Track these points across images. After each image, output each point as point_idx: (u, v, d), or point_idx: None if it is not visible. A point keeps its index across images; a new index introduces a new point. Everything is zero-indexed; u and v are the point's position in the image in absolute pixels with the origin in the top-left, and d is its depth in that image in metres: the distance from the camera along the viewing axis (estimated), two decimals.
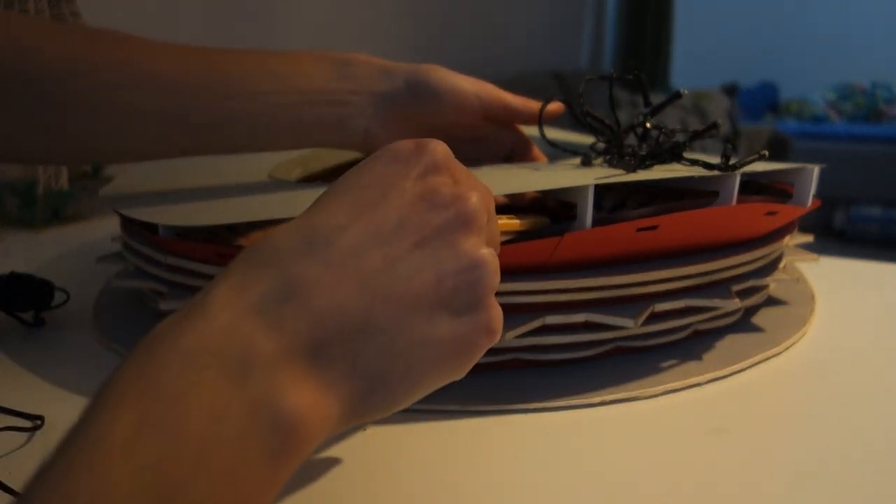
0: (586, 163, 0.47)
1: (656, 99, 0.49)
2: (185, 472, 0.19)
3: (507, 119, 0.51)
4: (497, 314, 0.27)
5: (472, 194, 0.27)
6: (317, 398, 0.23)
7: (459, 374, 0.27)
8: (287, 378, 0.22)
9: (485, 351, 0.27)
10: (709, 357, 0.42)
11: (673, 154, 0.44)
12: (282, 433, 0.22)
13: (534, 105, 0.50)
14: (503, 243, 0.36)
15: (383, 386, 0.25)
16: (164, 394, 0.20)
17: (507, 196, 0.48)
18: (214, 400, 0.21)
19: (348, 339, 0.24)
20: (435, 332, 0.25)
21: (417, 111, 0.46)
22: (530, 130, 0.53)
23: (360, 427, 0.35)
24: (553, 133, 0.53)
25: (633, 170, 0.43)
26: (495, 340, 0.27)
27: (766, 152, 0.43)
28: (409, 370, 0.25)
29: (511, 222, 0.38)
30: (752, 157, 0.41)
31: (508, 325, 0.37)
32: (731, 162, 0.41)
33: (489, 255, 0.26)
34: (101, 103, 0.43)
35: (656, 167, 0.44)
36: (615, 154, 0.47)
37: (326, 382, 0.23)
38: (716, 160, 0.42)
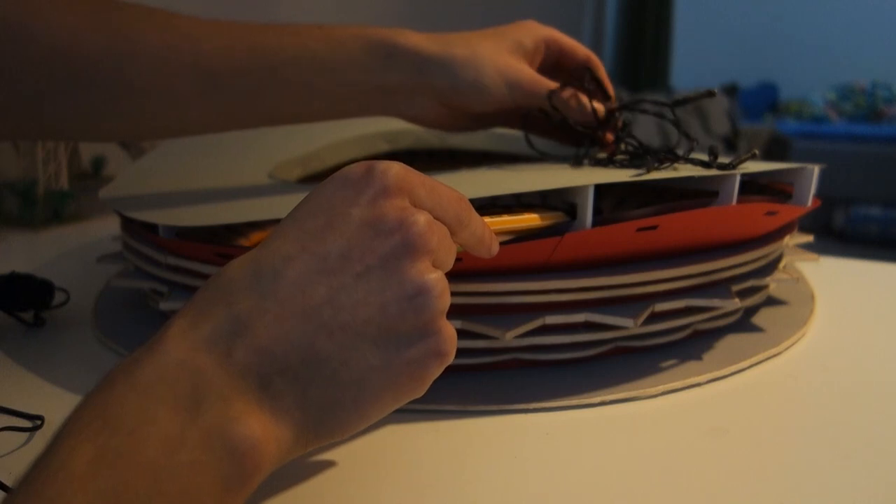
0: (577, 163, 0.47)
1: (654, 99, 0.49)
2: (142, 499, 0.20)
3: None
4: (448, 336, 0.27)
5: (419, 218, 0.26)
6: (268, 427, 0.24)
7: (415, 395, 0.27)
8: (239, 408, 0.23)
9: (438, 374, 0.27)
10: (709, 357, 0.42)
11: (672, 154, 0.44)
12: (235, 460, 0.23)
13: (563, 99, 0.47)
14: (518, 240, 0.36)
15: (334, 413, 0.26)
16: (121, 426, 0.21)
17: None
18: (169, 430, 0.22)
19: (295, 370, 0.25)
20: (383, 360, 0.26)
21: (460, 103, 0.46)
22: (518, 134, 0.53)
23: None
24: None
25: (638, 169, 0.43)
26: (447, 363, 0.27)
27: (757, 151, 0.43)
28: (359, 397, 0.26)
29: (531, 217, 0.37)
30: (745, 156, 0.41)
31: (508, 324, 0.37)
32: (720, 161, 0.41)
33: (434, 280, 0.26)
34: (145, 87, 0.42)
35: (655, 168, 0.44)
36: (611, 155, 0.47)
37: (277, 411, 0.24)
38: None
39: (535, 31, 0.49)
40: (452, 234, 0.29)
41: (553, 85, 0.47)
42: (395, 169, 0.27)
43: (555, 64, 0.50)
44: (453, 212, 0.29)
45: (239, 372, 0.24)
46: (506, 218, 0.36)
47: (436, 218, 0.28)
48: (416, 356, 0.26)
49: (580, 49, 0.50)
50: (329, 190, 0.27)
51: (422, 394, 0.27)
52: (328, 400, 0.25)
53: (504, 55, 0.46)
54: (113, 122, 0.44)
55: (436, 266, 0.28)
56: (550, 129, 0.51)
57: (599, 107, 0.48)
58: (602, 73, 0.50)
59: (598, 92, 0.50)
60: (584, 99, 0.48)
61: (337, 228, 0.26)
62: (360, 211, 0.26)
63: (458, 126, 0.49)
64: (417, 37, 0.45)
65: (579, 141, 0.49)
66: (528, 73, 0.47)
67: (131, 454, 0.21)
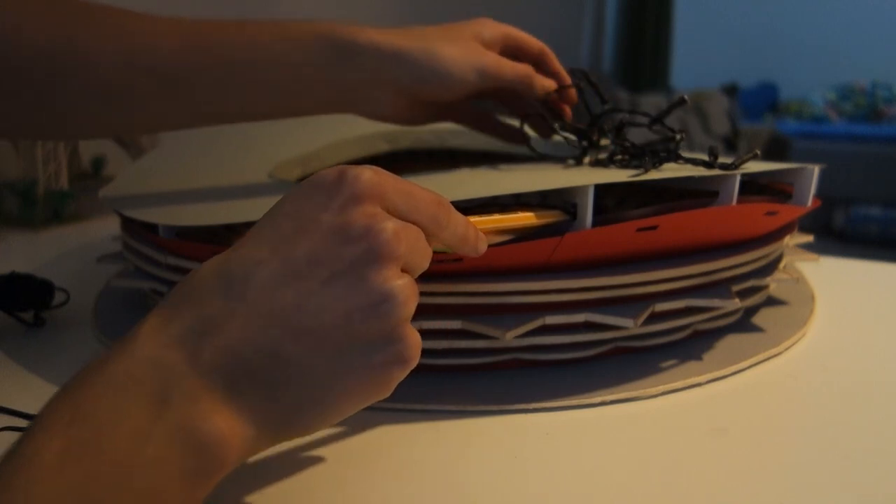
0: (578, 162, 0.47)
1: (655, 100, 0.49)
2: (109, 490, 0.21)
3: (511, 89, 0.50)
4: (412, 343, 0.27)
5: (387, 225, 0.27)
6: (233, 424, 0.25)
7: (380, 398, 0.28)
8: (205, 405, 0.24)
9: (401, 378, 0.27)
10: (709, 357, 0.42)
11: (670, 154, 0.44)
12: (200, 456, 0.23)
13: (525, 74, 0.49)
14: (518, 239, 0.36)
15: (298, 413, 0.26)
16: (91, 419, 0.22)
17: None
18: (137, 424, 0.23)
19: (261, 371, 0.25)
20: (347, 365, 0.26)
21: (425, 94, 0.46)
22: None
23: (360, 427, 0.35)
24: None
25: (640, 169, 0.43)
26: (410, 368, 0.27)
27: (759, 151, 0.43)
28: (323, 399, 0.26)
29: (525, 216, 0.37)
30: (747, 156, 0.41)
31: (508, 324, 0.37)
32: (721, 161, 0.41)
33: (400, 287, 0.26)
34: (100, 89, 0.42)
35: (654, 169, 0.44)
36: (611, 155, 0.47)
37: (242, 410, 0.25)
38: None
39: (493, 27, 0.49)
40: (431, 236, 0.29)
41: (520, 66, 0.48)
42: (367, 175, 0.27)
43: (512, 58, 0.50)
44: (430, 215, 0.29)
45: (206, 370, 0.25)
46: (497, 217, 0.35)
47: (411, 222, 0.28)
48: (380, 362, 0.26)
49: (534, 42, 0.51)
50: (301, 195, 0.28)
51: (387, 395, 0.28)
52: (292, 401, 0.26)
53: (466, 42, 0.47)
54: (65, 121, 0.44)
55: (407, 270, 0.28)
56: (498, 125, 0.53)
57: (550, 82, 0.50)
58: (556, 63, 0.52)
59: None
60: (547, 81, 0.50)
61: (307, 234, 0.26)
62: (330, 217, 0.27)
63: (419, 119, 0.49)
64: (375, 32, 0.45)
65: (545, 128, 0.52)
66: (492, 56, 0.47)
67: (99, 447, 0.22)
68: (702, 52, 3.84)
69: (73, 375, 0.24)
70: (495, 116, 0.54)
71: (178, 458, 0.23)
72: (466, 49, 0.46)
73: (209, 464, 0.24)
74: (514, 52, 0.51)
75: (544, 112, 0.52)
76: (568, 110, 0.52)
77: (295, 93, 0.45)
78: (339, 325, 0.26)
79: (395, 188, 0.28)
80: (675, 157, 0.44)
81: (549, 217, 0.37)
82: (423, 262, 0.29)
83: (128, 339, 0.25)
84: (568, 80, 0.52)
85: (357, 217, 0.27)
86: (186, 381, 0.24)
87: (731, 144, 2.80)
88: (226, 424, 0.24)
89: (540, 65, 0.51)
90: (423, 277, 0.37)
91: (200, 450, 0.23)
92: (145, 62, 0.42)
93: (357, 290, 0.26)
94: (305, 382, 0.26)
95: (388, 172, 0.29)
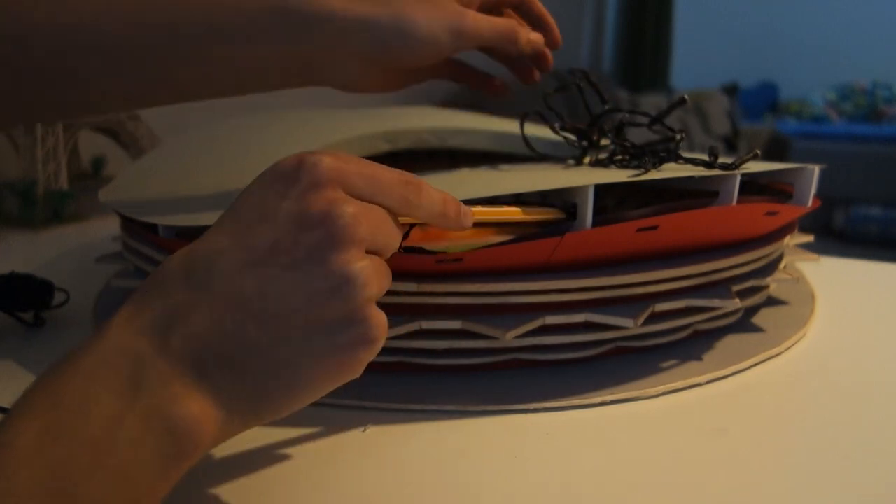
0: (578, 162, 0.47)
1: (654, 100, 0.49)
2: (83, 472, 0.22)
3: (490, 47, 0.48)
4: (376, 323, 0.28)
5: (345, 209, 0.27)
6: (204, 408, 0.25)
7: (350, 378, 0.28)
8: (176, 390, 0.25)
9: (370, 359, 0.28)
10: (709, 357, 0.42)
11: (670, 153, 0.44)
12: (173, 438, 0.24)
13: (507, 30, 0.45)
14: (519, 239, 0.36)
15: (268, 396, 0.27)
16: (66, 404, 0.23)
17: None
18: (111, 410, 0.23)
19: (227, 357, 0.26)
20: (312, 349, 0.27)
21: (396, 63, 0.44)
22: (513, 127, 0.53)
23: (360, 428, 0.35)
24: (535, 132, 0.53)
25: (639, 169, 0.43)
26: (377, 348, 0.28)
27: (759, 151, 0.43)
28: (292, 382, 0.27)
29: (512, 210, 0.36)
30: (747, 156, 0.42)
31: (508, 324, 0.37)
32: (721, 161, 0.41)
33: (359, 269, 0.27)
34: (41, 71, 0.40)
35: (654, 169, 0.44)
36: (611, 154, 0.47)
37: (213, 394, 0.26)
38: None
39: None
40: (403, 216, 0.30)
41: (500, 22, 0.45)
42: (327, 161, 0.28)
43: (492, 7, 0.48)
44: (398, 195, 0.29)
45: (176, 358, 0.25)
46: (479, 208, 0.35)
47: (378, 204, 0.29)
48: (345, 343, 0.27)
49: None
50: (262, 184, 0.28)
51: (357, 376, 0.28)
52: (262, 384, 0.26)
53: (438, 1, 0.43)
54: (10, 108, 0.42)
55: (375, 252, 0.29)
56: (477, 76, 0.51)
57: (537, 36, 0.48)
58: (538, 5, 0.49)
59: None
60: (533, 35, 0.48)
61: (267, 222, 0.27)
62: (289, 204, 0.27)
63: (394, 86, 0.47)
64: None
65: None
66: (469, 15, 0.44)
67: (75, 430, 0.22)
68: (702, 52, 3.84)
69: (49, 366, 0.24)
70: (472, 67, 0.51)
71: (151, 441, 0.24)
72: (439, 10, 0.43)
73: (182, 446, 0.24)
74: (494, 1, 0.48)
75: (531, 63, 0.50)
76: (549, 57, 0.49)
77: (251, 68, 0.42)
78: (302, 309, 0.26)
79: (357, 172, 0.28)
80: (675, 157, 0.44)
81: (539, 214, 0.37)
82: (391, 242, 0.30)
83: (100, 331, 0.26)
84: (552, 22, 0.49)
85: (316, 203, 0.27)
86: (157, 368, 0.25)
87: (731, 144, 2.80)
88: (197, 407, 0.25)
89: (521, 8, 0.49)
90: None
91: (173, 432, 0.24)
92: (87, 41, 0.40)
93: (317, 275, 0.27)
94: (272, 366, 0.26)
95: (351, 156, 0.29)
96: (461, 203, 0.32)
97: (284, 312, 0.26)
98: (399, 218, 0.30)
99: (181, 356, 0.25)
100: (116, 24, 0.40)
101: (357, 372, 0.28)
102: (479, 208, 0.35)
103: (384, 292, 0.29)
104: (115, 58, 0.40)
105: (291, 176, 0.28)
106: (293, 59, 0.43)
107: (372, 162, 0.29)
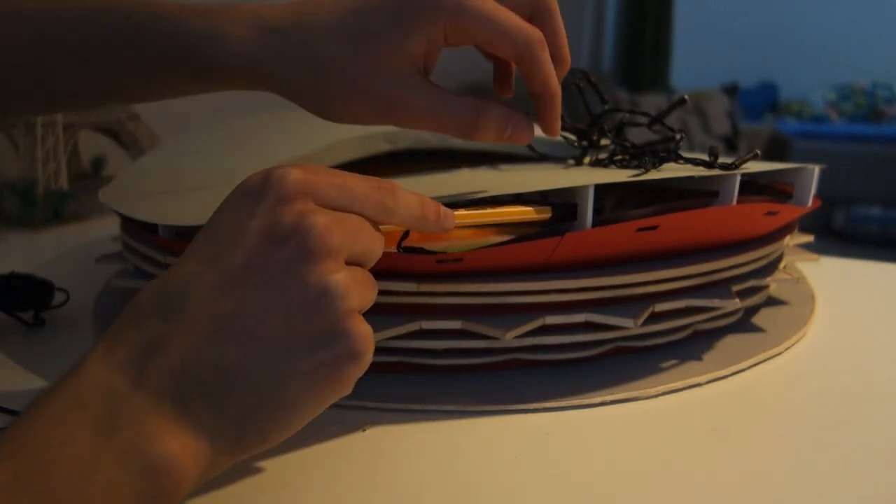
0: (578, 162, 0.47)
1: (654, 100, 0.49)
2: None
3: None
4: (361, 335, 0.26)
5: (316, 220, 0.26)
6: (186, 443, 0.24)
7: (341, 395, 0.27)
8: (154, 427, 0.24)
9: (359, 374, 0.27)
10: (709, 357, 0.42)
11: (670, 153, 0.44)
12: (151, 478, 0.23)
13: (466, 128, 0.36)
14: (518, 240, 0.36)
15: (255, 422, 0.26)
16: (37, 448, 0.22)
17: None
18: (84, 451, 0.22)
19: (209, 385, 0.25)
20: (295, 367, 0.26)
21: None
22: None
23: (360, 428, 0.35)
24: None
25: (639, 169, 0.43)
26: (364, 362, 0.27)
27: (759, 151, 0.43)
28: (278, 405, 0.26)
29: (495, 212, 0.36)
30: (747, 156, 0.42)
31: (508, 324, 0.37)
32: (721, 161, 0.41)
33: (337, 280, 0.26)
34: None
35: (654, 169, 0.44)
36: (611, 155, 0.47)
37: (194, 428, 0.24)
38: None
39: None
40: (381, 223, 0.29)
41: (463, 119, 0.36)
42: (294, 174, 0.27)
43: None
44: (373, 202, 0.29)
45: (153, 392, 0.24)
46: (462, 211, 0.34)
47: (354, 213, 0.28)
48: (329, 359, 0.26)
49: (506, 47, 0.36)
50: (231, 205, 0.27)
51: (347, 393, 0.27)
52: (246, 410, 0.25)
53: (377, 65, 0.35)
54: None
55: (356, 262, 0.28)
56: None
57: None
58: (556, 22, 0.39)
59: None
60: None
61: (238, 242, 0.26)
62: (258, 221, 0.26)
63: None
64: (244, 29, 0.35)
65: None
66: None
67: (47, 475, 0.21)
68: (702, 52, 3.84)
69: (27, 404, 0.23)
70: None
71: (129, 482, 0.22)
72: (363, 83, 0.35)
73: (162, 485, 0.23)
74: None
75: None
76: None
77: (185, 91, 0.39)
78: (281, 326, 0.25)
79: (328, 182, 0.28)
80: (675, 157, 0.44)
81: (530, 213, 0.37)
82: (373, 250, 0.29)
83: (75, 367, 0.25)
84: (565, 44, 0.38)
85: (285, 216, 0.26)
86: (133, 404, 0.24)
87: (731, 144, 2.80)
88: (177, 444, 0.24)
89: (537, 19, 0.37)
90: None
91: (151, 471, 0.23)
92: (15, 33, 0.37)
93: (293, 290, 0.26)
94: (254, 391, 0.25)
95: (320, 167, 0.28)
96: (441, 205, 0.32)
97: (264, 332, 0.25)
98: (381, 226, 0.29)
99: (159, 390, 0.24)
100: (38, 9, 0.37)
101: (347, 388, 0.27)
102: (462, 211, 0.35)
103: (370, 303, 0.28)
104: (36, 47, 0.37)
105: (259, 192, 0.27)
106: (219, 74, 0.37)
107: (342, 171, 0.29)
